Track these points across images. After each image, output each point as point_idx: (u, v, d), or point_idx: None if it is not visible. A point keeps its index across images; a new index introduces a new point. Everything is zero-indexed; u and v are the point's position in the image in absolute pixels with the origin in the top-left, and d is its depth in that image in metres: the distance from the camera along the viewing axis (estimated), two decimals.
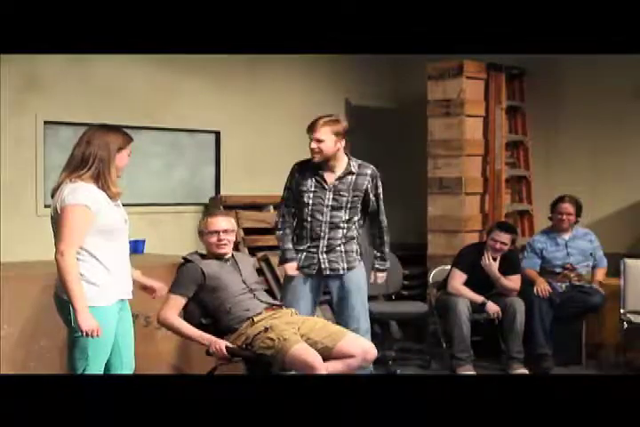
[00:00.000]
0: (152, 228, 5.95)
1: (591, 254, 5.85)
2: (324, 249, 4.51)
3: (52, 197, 3.42)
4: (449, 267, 5.86)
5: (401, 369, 5.58)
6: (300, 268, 4.55)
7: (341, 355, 3.94)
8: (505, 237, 5.61)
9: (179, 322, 4.05)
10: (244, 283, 4.17)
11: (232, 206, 6.34)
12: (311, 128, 4.44)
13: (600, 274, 5.83)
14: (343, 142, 4.47)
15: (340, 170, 4.50)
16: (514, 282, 5.67)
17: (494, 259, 5.62)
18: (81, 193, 3.29)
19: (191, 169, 6.46)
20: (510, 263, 5.70)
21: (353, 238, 4.56)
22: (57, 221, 3.30)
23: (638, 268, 5.66)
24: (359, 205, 4.55)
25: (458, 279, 5.65)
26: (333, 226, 4.48)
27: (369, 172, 4.53)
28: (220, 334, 4.07)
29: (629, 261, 5.70)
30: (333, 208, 4.48)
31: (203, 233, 4.23)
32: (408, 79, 7.31)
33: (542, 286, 5.64)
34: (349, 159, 4.53)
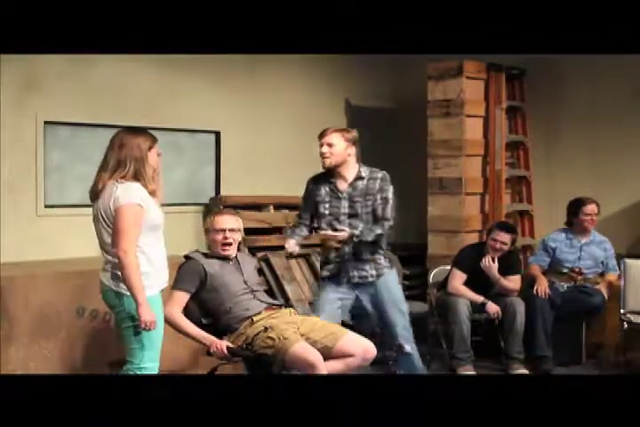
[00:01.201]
0: None
1: (602, 263, 5.82)
2: (350, 257, 4.50)
3: (94, 197, 3.64)
4: (449, 267, 5.85)
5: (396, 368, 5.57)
6: (330, 277, 4.56)
7: (341, 354, 3.95)
8: (505, 237, 5.61)
9: (182, 320, 4.05)
10: (246, 283, 4.17)
11: (232, 206, 6.33)
12: (322, 134, 4.49)
13: (611, 277, 5.80)
14: (354, 149, 4.49)
15: (351, 177, 4.51)
16: (514, 282, 5.67)
17: (493, 259, 5.62)
18: (133, 192, 3.55)
19: (191, 169, 6.46)
20: (510, 264, 5.69)
21: (380, 246, 4.54)
22: (115, 221, 3.53)
23: (638, 268, 5.65)
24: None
25: (458, 279, 5.65)
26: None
27: (379, 175, 4.52)
28: (220, 333, 4.07)
29: (629, 261, 5.70)
30: (350, 216, 4.47)
31: (209, 231, 4.23)
32: (408, 79, 7.31)
33: (542, 288, 5.64)
34: (360, 166, 4.54)
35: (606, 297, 5.70)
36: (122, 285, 3.55)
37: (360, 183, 4.49)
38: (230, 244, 4.20)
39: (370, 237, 4.41)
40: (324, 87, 7.17)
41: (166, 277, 3.76)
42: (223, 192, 6.51)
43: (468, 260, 5.70)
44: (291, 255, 4.58)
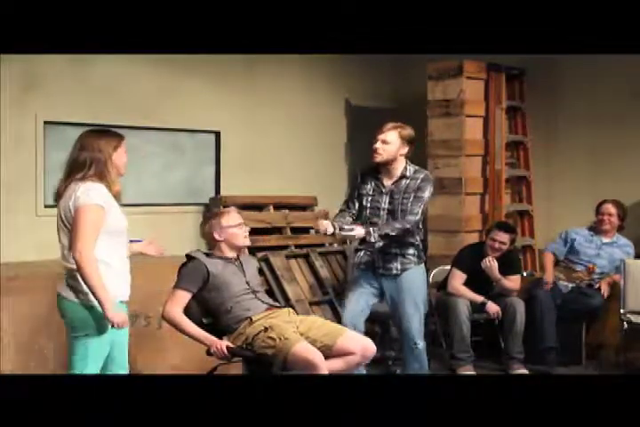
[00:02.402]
0: (152, 228, 5.94)
1: (617, 268, 5.78)
2: (380, 250, 4.57)
3: (57, 198, 3.48)
4: (449, 267, 5.85)
5: (401, 369, 5.57)
6: (358, 265, 4.70)
7: (341, 352, 3.95)
8: (504, 237, 5.61)
9: (183, 319, 4.04)
10: (248, 284, 4.17)
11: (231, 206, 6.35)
12: (380, 129, 4.53)
13: (615, 277, 5.78)
14: (406, 148, 4.54)
15: (397, 175, 4.57)
16: (514, 282, 5.68)
17: (494, 259, 5.62)
18: (94, 193, 3.38)
19: (191, 169, 6.46)
20: (510, 264, 5.70)
21: (410, 242, 4.58)
22: (73, 222, 3.37)
23: (638, 268, 5.65)
24: None
25: (458, 279, 5.65)
26: None
27: (421, 176, 4.58)
28: (220, 333, 4.07)
29: (629, 261, 5.70)
30: (389, 211, 4.54)
31: (228, 227, 4.18)
32: (408, 79, 7.31)
33: (547, 281, 5.68)
34: (407, 164, 4.59)
35: (605, 296, 5.70)
36: (71, 292, 3.41)
37: (403, 181, 4.55)
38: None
39: (388, 231, 4.42)
40: (324, 87, 7.17)
41: (128, 289, 3.56)
42: (223, 192, 6.51)
43: (468, 260, 5.70)
44: (325, 234, 4.52)
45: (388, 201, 4.56)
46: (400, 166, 4.57)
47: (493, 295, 5.65)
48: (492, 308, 5.55)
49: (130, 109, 5.92)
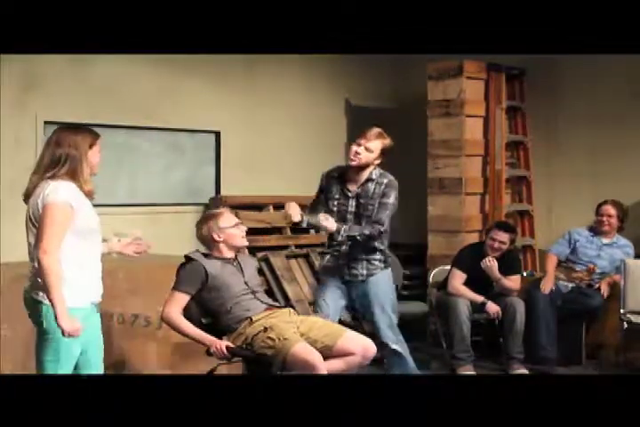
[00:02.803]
0: (152, 228, 5.95)
1: (617, 268, 5.78)
2: (346, 255, 4.54)
3: (26, 198, 3.40)
4: (449, 267, 5.85)
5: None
6: (324, 269, 4.68)
7: (342, 353, 3.95)
8: (504, 237, 5.61)
9: (182, 321, 4.04)
10: (247, 284, 4.17)
11: (232, 206, 6.34)
12: (364, 135, 4.47)
13: (616, 277, 5.77)
14: (382, 158, 4.52)
15: (363, 178, 4.53)
16: (514, 282, 5.67)
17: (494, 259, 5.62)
18: (63, 191, 3.27)
19: (191, 169, 6.46)
20: (510, 264, 5.70)
21: (375, 247, 4.53)
22: (39, 219, 3.27)
23: (638, 268, 5.65)
24: None
25: (458, 279, 5.65)
26: None
27: (385, 181, 4.52)
28: (219, 333, 4.07)
29: (629, 261, 5.70)
30: (356, 215, 4.50)
31: (225, 228, 4.17)
32: (408, 79, 7.31)
33: (547, 285, 5.68)
34: (374, 168, 4.54)
35: (605, 296, 5.70)
36: (40, 293, 3.27)
37: (369, 185, 4.51)
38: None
39: (356, 234, 4.39)
40: (324, 87, 7.17)
41: (100, 291, 3.43)
42: (223, 192, 6.52)
43: (468, 260, 5.70)
44: (294, 225, 4.52)
45: (354, 204, 4.51)
46: (368, 170, 4.52)
47: (493, 295, 5.65)
48: (492, 308, 5.55)
49: (130, 109, 5.92)
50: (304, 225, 4.49)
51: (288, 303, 5.89)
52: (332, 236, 4.48)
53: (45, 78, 5.54)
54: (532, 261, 6.84)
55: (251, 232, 6.31)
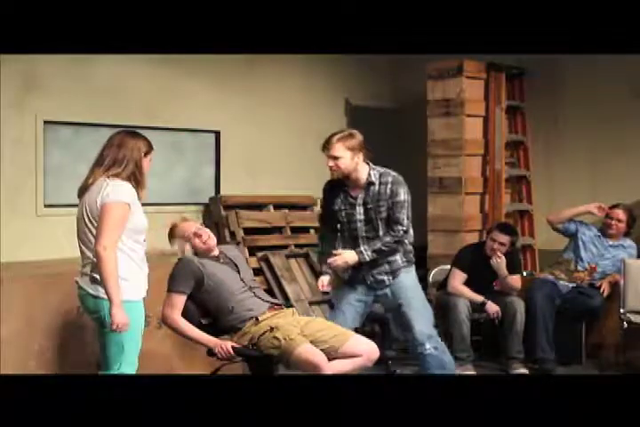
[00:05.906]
0: (152, 228, 5.94)
1: (618, 268, 5.76)
2: (367, 262, 4.40)
3: (82, 192, 3.55)
4: (449, 267, 5.85)
5: (401, 369, 5.58)
6: (347, 281, 4.54)
7: (347, 355, 3.96)
8: (503, 238, 5.60)
9: (184, 324, 4.03)
10: (243, 281, 4.17)
11: (232, 206, 6.35)
12: (325, 146, 4.37)
13: (616, 276, 5.75)
14: (361, 156, 4.35)
15: (362, 182, 4.40)
16: (514, 282, 5.68)
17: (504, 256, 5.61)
18: (123, 191, 3.47)
19: (191, 169, 6.47)
20: (511, 264, 5.69)
21: (395, 249, 4.43)
22: (100, 217, 3.43)
23: (638, 268, 5.65)
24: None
25: (458, 279, 5.65)
26: (370, 240, 4.39)
27: (389, 179, 4.39)
28: (220, 333, 4.06)
29: (629, 261, 5.70)
30: (367, 222, 4.39)
31: (185, 240, 4.19)
32: (408, 79, 7.31)
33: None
34: (370, 169, 4.41)
35: (606, 295, 5.70)
36: (101, 289, 3.42)
37: (372, 188, 4.38)
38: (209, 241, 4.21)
39: (381, 247, 4.34)
40: (324, 87, 7.17)
41: (146, 286, 3.62)
42: (223, 192, 6.52)
43: (468, 259, 5.70)
44: (329, 290, 4.60)
45: (362, 212, 4.39)
46: (363, 174, 4.38)
47: (493, 295, 5.65)
48: (492, 307, 5.55)
49: (130, 109, 5.92)
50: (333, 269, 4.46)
51: (288, 303, 5.89)
52: (347, 248, 4.40)
53: (45, 78, 5.54)
54: (532, 261, 6.84)
55: (251, 232, 6.36)
